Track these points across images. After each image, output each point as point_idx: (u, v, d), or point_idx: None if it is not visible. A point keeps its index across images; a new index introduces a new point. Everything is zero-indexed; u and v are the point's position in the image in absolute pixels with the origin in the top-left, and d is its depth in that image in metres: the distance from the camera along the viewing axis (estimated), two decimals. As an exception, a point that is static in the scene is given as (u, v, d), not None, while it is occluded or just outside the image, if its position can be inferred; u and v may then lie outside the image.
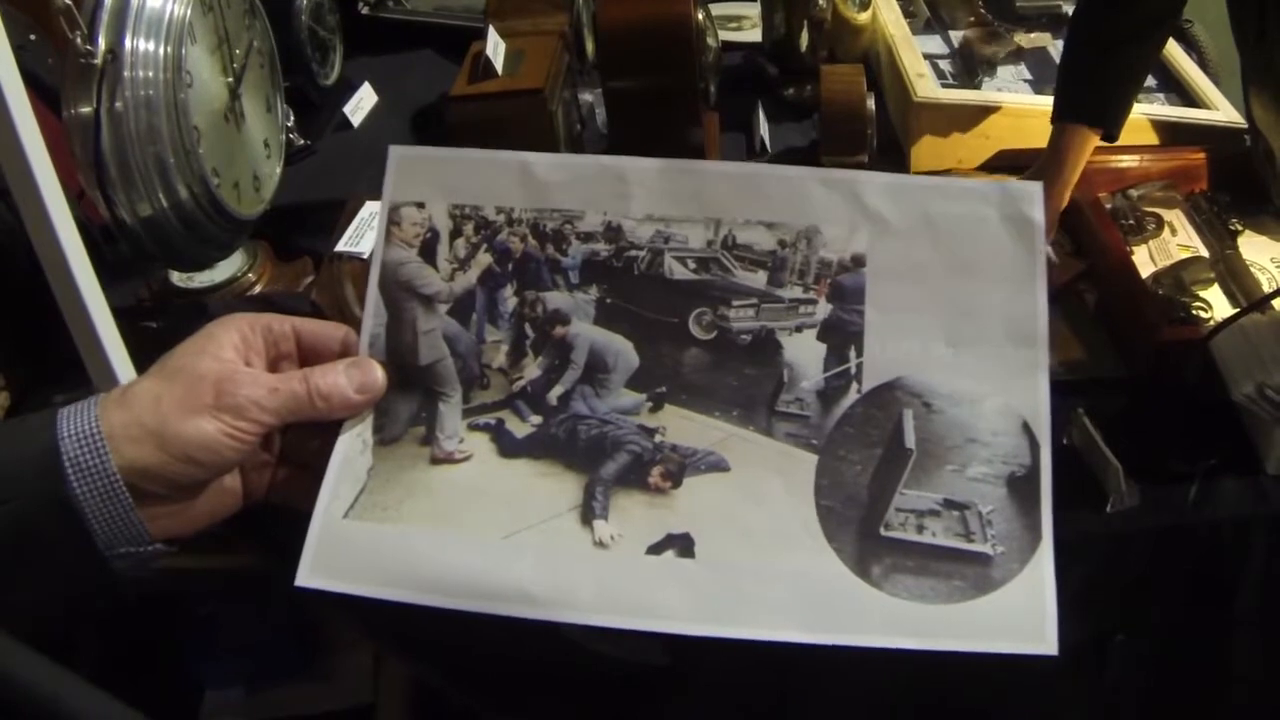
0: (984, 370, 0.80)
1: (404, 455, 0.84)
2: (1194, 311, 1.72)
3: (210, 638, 1.92)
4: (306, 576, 0.80)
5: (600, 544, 0.80)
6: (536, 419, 0.84)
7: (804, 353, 0.82)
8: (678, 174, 0.85)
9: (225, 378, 0.78)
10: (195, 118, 1.61)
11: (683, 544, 0.79)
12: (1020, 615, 0.76)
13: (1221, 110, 2.08)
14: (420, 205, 0.88)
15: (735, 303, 0.84)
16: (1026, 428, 0.79)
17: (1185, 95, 2.14)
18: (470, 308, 0.87)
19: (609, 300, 0.85)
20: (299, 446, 0.86)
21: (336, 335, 0.87)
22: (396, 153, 0.89)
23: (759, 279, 0.84)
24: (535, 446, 0.84)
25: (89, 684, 0.63)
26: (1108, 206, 1.88)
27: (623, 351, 0.84)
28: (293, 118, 1.93)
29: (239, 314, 0.84)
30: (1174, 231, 1.89)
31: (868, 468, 0.79)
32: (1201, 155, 1.97)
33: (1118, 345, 1.73)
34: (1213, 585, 1.62)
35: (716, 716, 1.50)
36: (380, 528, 0.81)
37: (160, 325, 1.75)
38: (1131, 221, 1.87)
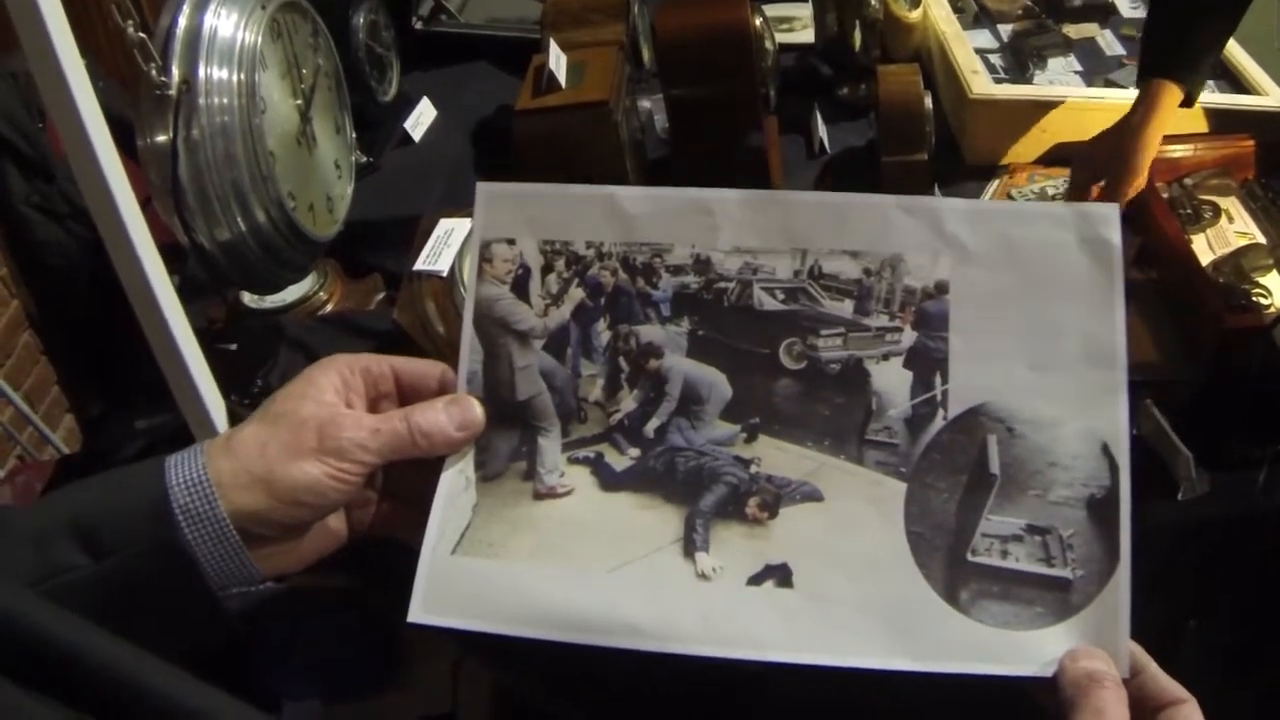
0: (1064, 393, 0.82)
1: (507, 491, 0.86)
2: (1255, 298, 1.73)
3: (288, 652, 1.89)
4: (419, 613, 0.82)
5: (703, 576, 0.82)
6: (635, 451, 0.86)
7: (891, 381, 0.84)
8: (762, 205, 0.87)
9: (328, 421, 0.80)
10: (270, 142, 1.64)
11: (781, 575, 0.81)
12: (1095, 641, 0.78)
13: (1272, 95, 2.08)
14: (511, 242, 0.89)
15: (823, 332, 0.85)
16: (1106, 450, 0.80)
17: (1235, 81, 2.14)
18: (565, 342, 0.88)
19: (700, 332, 0.87)
20: (401, 483, 0.88)
21: (434, 373, 0.88)
22: (484, 190, 0.90)
23: (845, 308, 0.85)
24: (635, 479, 0.85)
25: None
26: (1164, 196, 1.89)
27: (716, 383, 0.86)
28: (354, 135, 1.96)
29: (338, 356, 0.86)
30: (1230, 219, 1.90)
31: (954, 494, 0.81)
32: (1252, 142, 1.98)
33: (1181, 334, 1.74)
34: None
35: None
36: (487, 563, 0.83)
37: (238, 347, 1.78)
38: (1189, 210, 1.88)
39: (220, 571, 0.77)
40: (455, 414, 0.85)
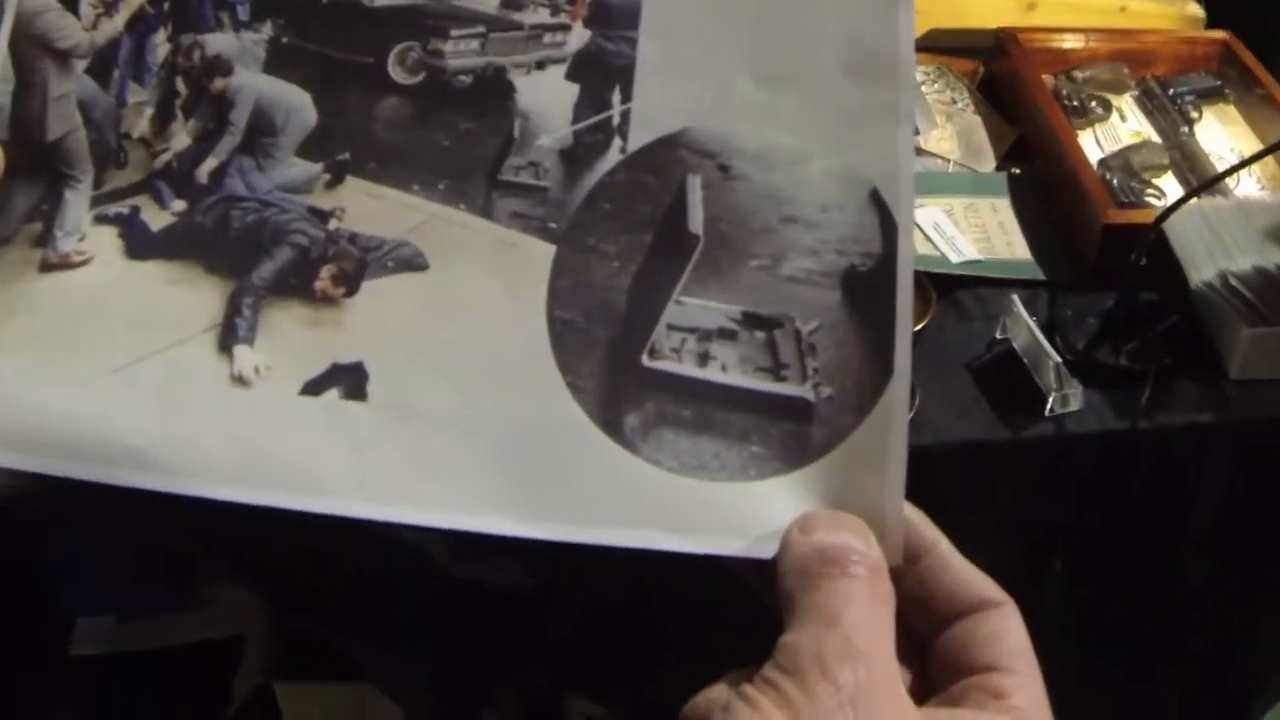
0: (812, 117, 0.49)
1: (12, 262, 0.57)
2: (1146, 198, 1.43)
3: (75, 564, 1.73)
4: None
5: (240, 380, 0.51)
6: (180, 205, 0.56)
7: (546, 97, 0.52)
8: None
9: None
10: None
11: (351, 379, 0.49)
12: (845, 501, 0.45)
13: None
14: None
15: (454, 33, 0.53)
16: (876, 199, 0.48)
17: None
18: (113, 63, 0.60)
19: (285, 39, 0.55)
20: None
21: None
22: None
23: (490, 1, 0.53)
24: (172, 242, 0.55)
25: None
26: (1049, 87, 1.59)
27: (296, 107, 0.55)
28: None
29: None
30: (1123, 118, 1.61)
31: (629, 263, 0.49)
32: (1155, 37, 1.69)
33: (1060, 233, 1.45)
34: (1163, 503, 1.35)
35: (587, 637, 1.28)
36: None
37: None
38: (1075, 104, 1.57)
39: None
40: None
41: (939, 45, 1.72)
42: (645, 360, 0.47)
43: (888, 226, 0.48)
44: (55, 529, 1.65)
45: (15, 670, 1.70)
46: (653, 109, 0.50)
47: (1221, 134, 1.57)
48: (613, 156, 0.50)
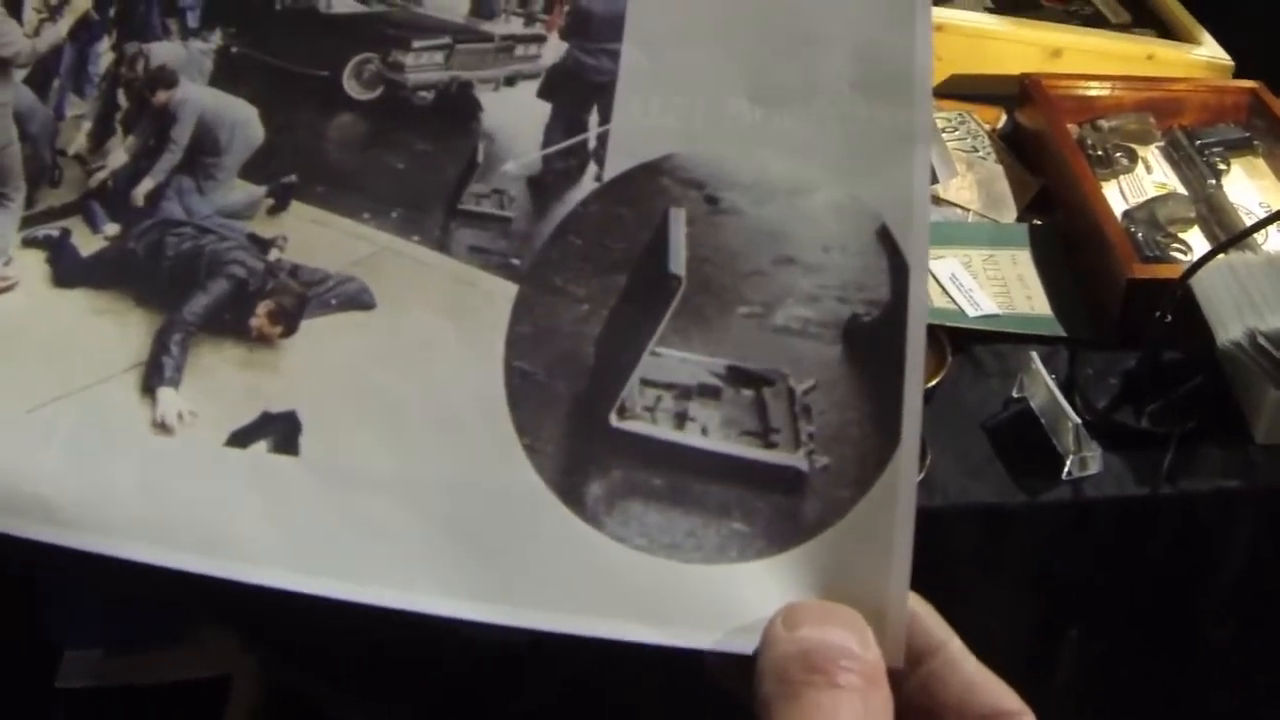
0: (814, 140, 0.43)
1: None
2: (1172, 252, 1.37)
3: (65, 593, 1.69)
4: None
5: (162, 426, 0.44)
6: (113, 228, 0.50)
7: (516, 117, 0.46)
8: None
9: None
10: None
11: (282, 430, 0.43)
12: (839, 590, 0.39)
13: (1205, 46, 1.76)
14: None
15: (416, 44, 0.47)
16: (885, 237, 0.42)
17: (1166, 30, 1.82)
18: (54, 72, 0.54)
19: (235, 49, 0.49)
20: None
21: None
22: None
23: (458, 7, 0.47)
24: (102, 269, 0.50)
25: None
26: (1074, 137, 1.53)
27: (242, 122, 0.49)
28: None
29: None
30: (1149, 169, 1.55)
31: (599, 307, 0.42)
32: (1182, 86, 1.64)
33: (1083, 288, 1.39)
34: (1185, 569, 1.28)
35: (572, 692, 1.22)
36: None
37: None
38: (1100, 153, 1.51)
39: None
40: None
41: (961, 91, 1.67)
42: (614, 420, 0.41)
43: (897, 270, 0.41)
44: (46, 560, 1.63)
45: (-1, 700, 1.67)
46: (634, 131, 0.44)
47: (1250, 187, 1.51)
48: (586, 185, 0.44)
